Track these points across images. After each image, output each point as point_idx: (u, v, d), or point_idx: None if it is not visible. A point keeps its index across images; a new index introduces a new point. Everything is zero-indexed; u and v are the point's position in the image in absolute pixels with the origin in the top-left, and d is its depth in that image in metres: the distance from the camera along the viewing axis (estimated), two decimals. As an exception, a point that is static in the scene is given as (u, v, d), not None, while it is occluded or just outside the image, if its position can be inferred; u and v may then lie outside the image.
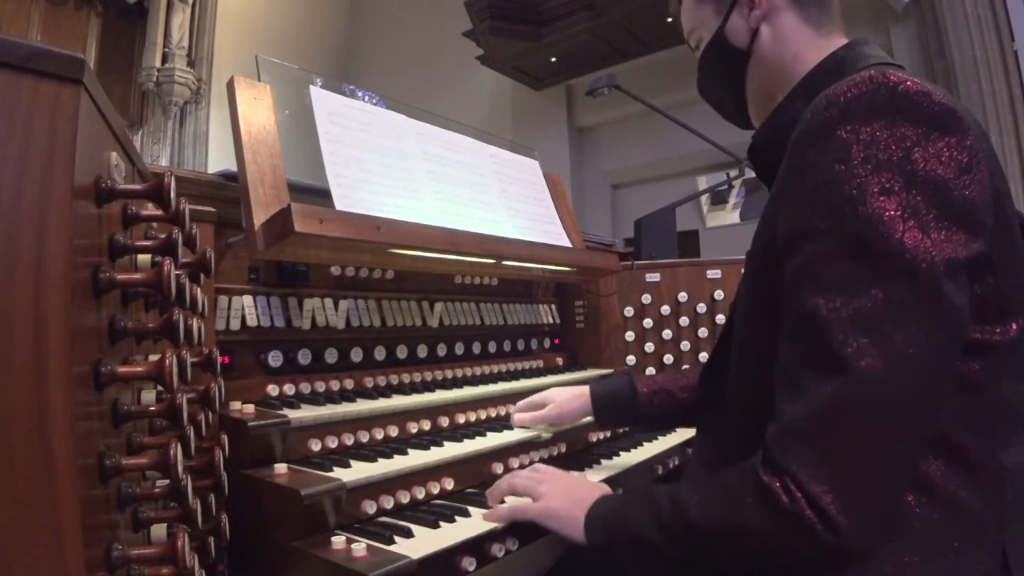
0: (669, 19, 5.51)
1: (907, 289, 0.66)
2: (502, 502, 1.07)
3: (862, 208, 0.68)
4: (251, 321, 1.21)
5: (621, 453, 1.49)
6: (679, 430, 1.65)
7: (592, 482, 1.09)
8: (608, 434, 1.58)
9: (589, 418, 1.35)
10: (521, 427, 1.35)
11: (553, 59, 6.49)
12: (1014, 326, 0.73)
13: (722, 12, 0.99)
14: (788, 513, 0.68)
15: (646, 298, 1.94)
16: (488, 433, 1.31)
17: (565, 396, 1.35)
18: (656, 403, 1.29)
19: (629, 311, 1.95)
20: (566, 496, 0.99)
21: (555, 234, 1.76)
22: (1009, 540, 0.73)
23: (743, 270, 0.91)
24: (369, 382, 1.35)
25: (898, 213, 0.67)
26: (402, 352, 1.45)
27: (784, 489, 0.69)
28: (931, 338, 0.66)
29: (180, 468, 0.61)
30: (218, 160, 6.18)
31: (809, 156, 0.73)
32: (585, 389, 1.35)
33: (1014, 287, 0.74)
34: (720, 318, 1.93)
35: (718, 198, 6.55)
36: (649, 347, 1.93)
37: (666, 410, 1.29)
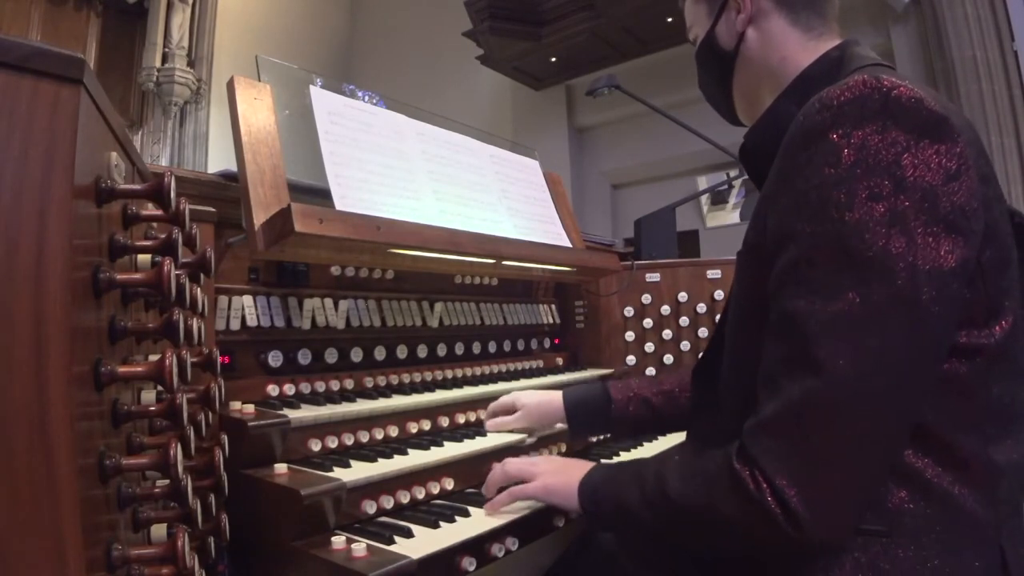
0: (669, 19, 5.52)
1: (885, 295, 0.67)
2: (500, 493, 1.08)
3: (849, 213, 0.69)
4: (251, 321, 1.21)
5: (621, 453, 1.49)
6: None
7: (585, 461, 1.09)
8: (608, 434, 1.58)
9: (562, 425, 1.32)
10: (495, 432, 1.31)
11: (553, 59, 6.49)
12: (1001, 327, 0.74)
13: (713, 14, 1.02)
14: (755, 502, 0.71)
15: (646, 298, 1.94)
16: (488, 433, 1.31)
17: (535, 400, 1.31)
18: (631, 410, 1.27)
19: (629, 311, 1.95)
20: (561, 472, 1.02)
21: (555, 234, 1.76)
22: (1006, 539, 0.73)
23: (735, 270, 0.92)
24: (369, 382, 1.35)
25: (885, 218, 0.68)
26: (402, 352, 1.45)
27: (752, 479, 0.72)
28: (906, 344, 0.68)
29: (180, 468, 0.61)
30: (218, 160, 6.18)
31: (800, 159, 0.74)
32: (557, 395, 1.31)
33: (1002, 290, 0.74)
34: (720, 318, 1.94)
35: (718, 198, 6.55)
36: (649, 347, 1.93)
37: (642, 417, 1.27)
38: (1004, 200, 0.79)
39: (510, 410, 1.32)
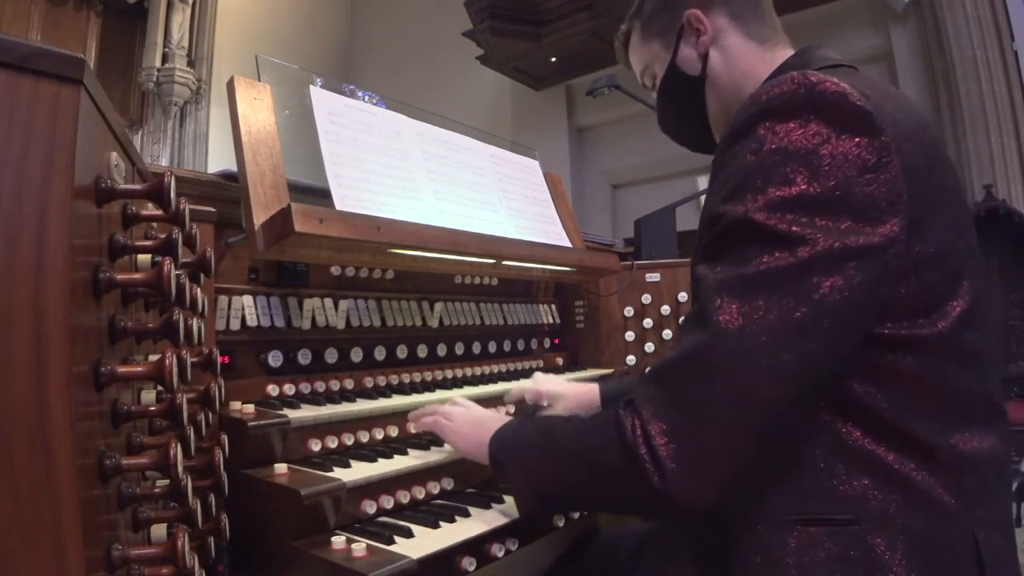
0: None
1: (783, 266, 0.70)
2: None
3: (762, 196, 0.72)
4: (251, 321, 1.21)
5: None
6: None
7: (504, 418, 1.11)
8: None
9: None
10: None
11: (553, 59, 6.48)
12: (947, 317, 0.74)
13: (671, 45, 1.04)
14: (628, 448, 0.74)
15: (646, 298, 1.94)
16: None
17: (576, 391, 1.37)
18: None
19: (629, 311, 1.95)
20: (476, 424, 1.08)
21: (555, 234, 1.76)
22: (982, 527, 0.73)
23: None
24: (369, 382, 1.35)
25: (795, 202, 0.70)
26: (402, 352, 1.45)
27: (631, 424, 0.74)
28: (797, 315, 0.69)
29: (180, 468, 0.61)
30: (218, 160, 6.18)
31: (728, 153, 0.78)
32: (594, 387, 1.37)
33: (946, 280, 0.75)
34: (720, 318, 1.93)
35: (718, 198, 6.55)
36: (649, 347, 1.93)
37: None
38: (959, 191, 0.81)
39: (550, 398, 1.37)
